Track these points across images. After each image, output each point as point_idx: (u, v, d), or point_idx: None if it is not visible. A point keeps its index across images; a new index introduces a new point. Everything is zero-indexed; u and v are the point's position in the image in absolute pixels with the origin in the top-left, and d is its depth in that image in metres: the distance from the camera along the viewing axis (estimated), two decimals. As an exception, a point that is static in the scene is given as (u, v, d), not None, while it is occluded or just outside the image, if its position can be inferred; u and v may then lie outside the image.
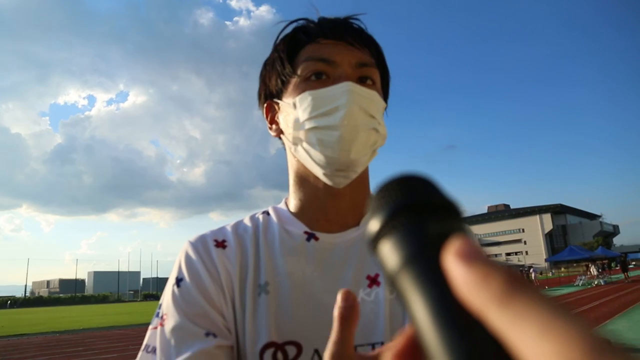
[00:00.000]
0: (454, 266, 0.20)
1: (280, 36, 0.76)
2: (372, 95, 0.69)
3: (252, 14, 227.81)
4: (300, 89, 0.70)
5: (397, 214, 0.24)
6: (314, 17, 0.76)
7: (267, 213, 0.77)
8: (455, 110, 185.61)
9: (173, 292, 0.66)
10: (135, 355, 0.65)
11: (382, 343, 0.64)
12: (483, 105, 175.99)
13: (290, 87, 0.72)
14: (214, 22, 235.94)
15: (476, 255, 0.20)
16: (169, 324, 0.63)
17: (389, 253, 0.24)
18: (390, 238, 0.24)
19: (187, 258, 0.69)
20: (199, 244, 0.71)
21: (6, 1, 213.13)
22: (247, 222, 0.76)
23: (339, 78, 0.69)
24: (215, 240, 0.71)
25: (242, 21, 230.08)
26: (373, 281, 0.69)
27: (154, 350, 0.63)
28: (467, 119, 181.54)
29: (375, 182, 0.78)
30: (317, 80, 0.70)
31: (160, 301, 0.68)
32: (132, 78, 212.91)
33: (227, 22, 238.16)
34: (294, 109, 0.70)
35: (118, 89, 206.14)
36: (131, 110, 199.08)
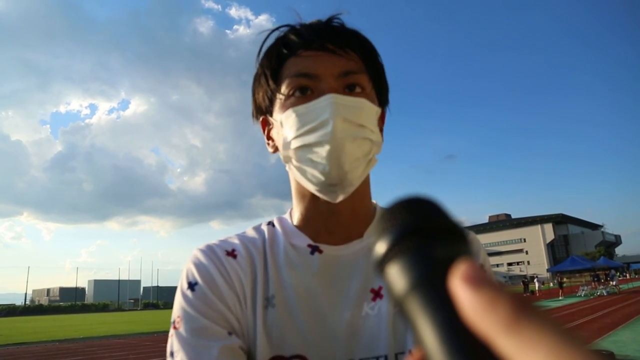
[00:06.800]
0: (461, 290, 0.20)
1: (263, 48, 0.74)
2: (359, 103, 0.66)
3: (251, 22, 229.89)
4: (286, 107, 0.69)
5: (404, 237, 0.25)
6: (297, 21, 0.74)
7: (272, 224, 0.77)
8: (455, 120, 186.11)
9: (187, 296, 0.65)
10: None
11: (385, 357, 0.65)
12: (483, 115, 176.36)
13: (277, 103, 0.71)
14: (214, 31, 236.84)
15: (483, 280, 0.20)
16: (189, 325, 0.62)
17: (396, 277, 0.24)
18: (397, 261, 0.24)
19: (199, 264, 0.68)
20: (210, 251, 0.70)
21: (7, 8, 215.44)
22: (252, 233, 0.75)
23: (322, 91, 0.67)
24: (225, 250, 0.70)
25: (242, 30, 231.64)
26: (377, 294, 0.69)
27: (172, 354, 0.62)
28: (467, 128, 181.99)
29: (373, 192, 0.75)
30: (301, 96, 0.68)
31: (173, 315, 0.67)
32: (132, 86, 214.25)
33: (227, 31, 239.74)
34: (281, 127, 0.69)
35: (119, 97, 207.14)
36: (132, 119, 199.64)
